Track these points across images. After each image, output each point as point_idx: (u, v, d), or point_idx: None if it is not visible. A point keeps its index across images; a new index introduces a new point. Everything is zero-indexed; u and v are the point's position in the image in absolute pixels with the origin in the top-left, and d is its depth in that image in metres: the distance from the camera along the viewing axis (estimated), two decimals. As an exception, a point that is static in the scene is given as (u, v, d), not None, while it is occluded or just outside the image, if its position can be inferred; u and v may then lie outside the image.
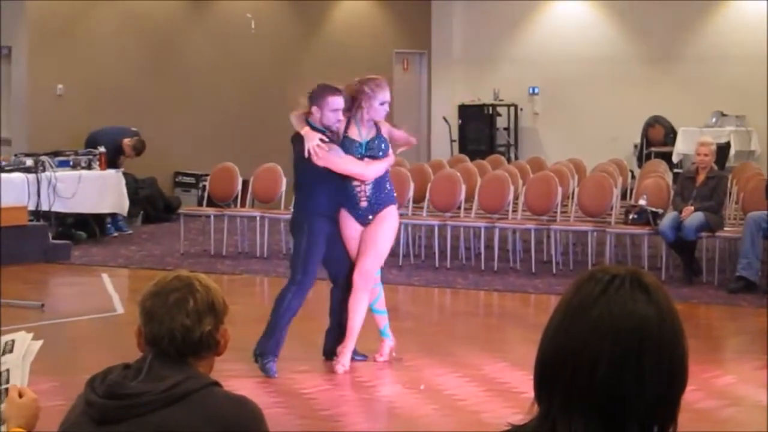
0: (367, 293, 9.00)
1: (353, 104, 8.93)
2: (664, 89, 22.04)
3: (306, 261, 8.90)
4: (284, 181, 14.88)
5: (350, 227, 8.98)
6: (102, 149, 16.25)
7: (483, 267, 13.89)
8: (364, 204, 8.94)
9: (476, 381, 8.71)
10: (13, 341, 3.24)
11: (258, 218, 14.97)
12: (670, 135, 21.39)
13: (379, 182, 8.96)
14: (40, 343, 3.27)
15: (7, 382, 3.19)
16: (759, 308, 11.52)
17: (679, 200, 13.05)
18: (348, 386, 8.63)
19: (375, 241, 8.91)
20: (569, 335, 2.06)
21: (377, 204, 8.94)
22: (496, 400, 8.20)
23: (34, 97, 17.90)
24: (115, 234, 16.67)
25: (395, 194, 9.20)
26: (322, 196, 8.89)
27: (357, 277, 8.95)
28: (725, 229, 13.22)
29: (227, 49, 20.51)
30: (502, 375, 8.88)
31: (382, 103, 8.94)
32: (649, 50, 22.37)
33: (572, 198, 14.60)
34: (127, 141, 16.98)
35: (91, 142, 16.71)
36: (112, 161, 16.46)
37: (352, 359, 9.15)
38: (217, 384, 3.15)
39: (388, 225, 8.97)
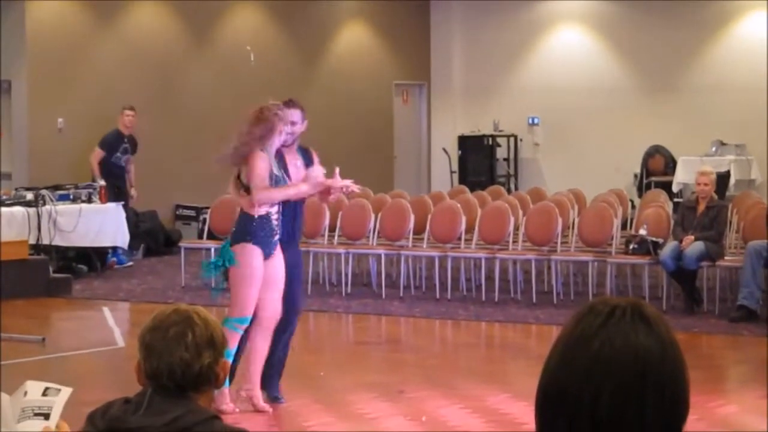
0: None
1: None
2: (663, 119, 22.08)
3: None
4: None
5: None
6: (102, 182, 16.28)
7: (484, 298, 13.88)
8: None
9: (478, 412, 8.69)
10: (58, 390, 3.12)
11: (258, 251, 14.91)
12: (670, 164, 21.40)
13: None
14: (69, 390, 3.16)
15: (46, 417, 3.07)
16: (760, 337, 11.49)
17: (680, 230, 13.04)
18: (350, 419, 8.59)
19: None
20: (570, 368, 2.05)
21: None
22: (498, 432, 8.18)
23: (35, 131, 17.92)
24: (116, 267, 16.66)
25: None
26: None
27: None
28: (726, 258, 13.21)
29: (227, 81, 20.55)
30: (504, 406, 8.86)
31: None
32: (648, 80, 22.41)
33: (573, 228, 14.58)
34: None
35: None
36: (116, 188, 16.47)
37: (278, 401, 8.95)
38: (217, 417, 3.15)
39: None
